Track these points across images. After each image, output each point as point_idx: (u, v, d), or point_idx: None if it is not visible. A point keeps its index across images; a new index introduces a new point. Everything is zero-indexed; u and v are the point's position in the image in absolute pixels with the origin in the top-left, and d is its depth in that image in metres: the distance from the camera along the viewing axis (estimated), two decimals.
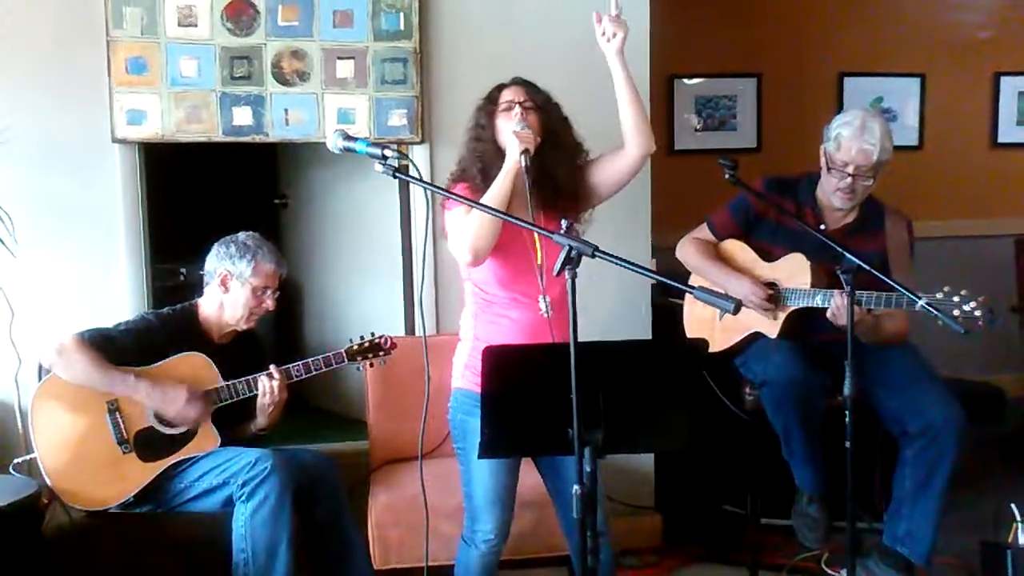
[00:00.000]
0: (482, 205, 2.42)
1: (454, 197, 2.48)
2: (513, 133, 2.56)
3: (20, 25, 3.38)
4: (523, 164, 2.51)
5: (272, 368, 2.99)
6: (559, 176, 2.65)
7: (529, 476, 2.71)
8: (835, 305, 2.99)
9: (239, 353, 3.10)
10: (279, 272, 3.08)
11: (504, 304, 2.61)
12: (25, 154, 3.34)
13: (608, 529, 2.66)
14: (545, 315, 2.54)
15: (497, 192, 2.52)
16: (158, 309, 3.12)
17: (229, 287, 3.03)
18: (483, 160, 2.64)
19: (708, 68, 5.29)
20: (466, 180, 2.68)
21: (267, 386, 2.96)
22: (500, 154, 2.61)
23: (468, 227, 2.51)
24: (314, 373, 3.04)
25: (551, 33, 3.70)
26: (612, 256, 2.04)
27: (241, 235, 3.09)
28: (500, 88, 2.72)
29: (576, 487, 2.02)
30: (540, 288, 2.55)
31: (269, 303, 3.06)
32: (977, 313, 2.77)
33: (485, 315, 2.65)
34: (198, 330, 3.06)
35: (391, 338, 3.13)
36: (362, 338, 3.11)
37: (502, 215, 2.38)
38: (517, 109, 2.61)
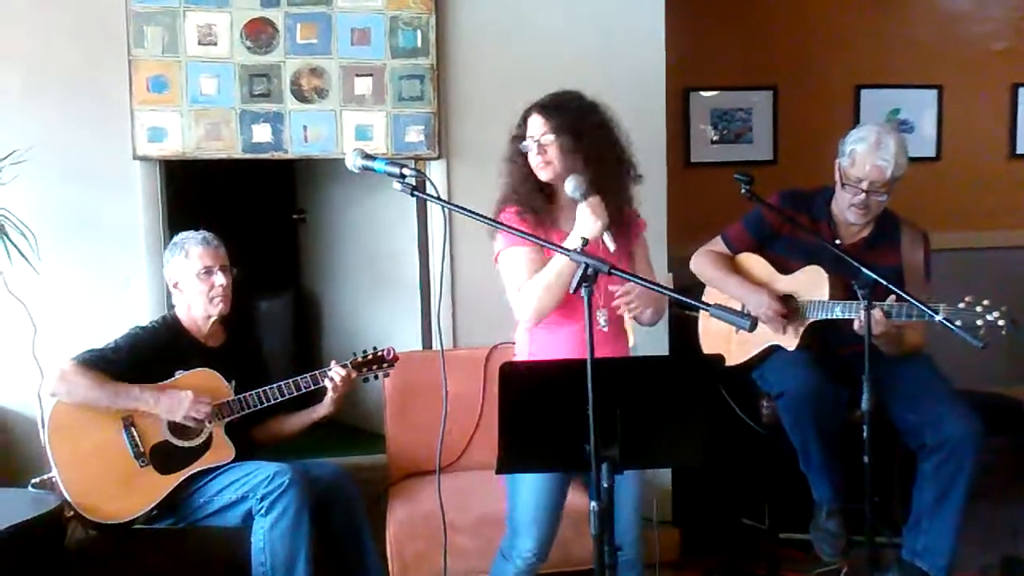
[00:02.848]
0: (512, 228, 2.37)
1: (468, 214, 2.46)
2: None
3: (43, 44, 3.43)
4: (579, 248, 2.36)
5: (334, 363, 3.06)
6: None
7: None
8: (863, 318, 2.95)
9: (236, 357, 3.14)
10: (209, 249, 3.10)
11: (557, 320, 2.54)
12: (48, 171, 3.38)
13: (640, 544, 2.67)
14: (604, 328, 2.52)
15: (548, 274, 2.44)
16: (144, 324, 3.16)
17: (182, 288, 3.09)
18: (519, 194, 2.59)
19: (724, 81, 5.29)
20: (511, 205, 2.62)
21: (339, 379, 3.03)
22: (536, 185, 2.57)
23: (534, 292, 2.46)
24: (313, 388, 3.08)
25: (566, 50, 3.73)
26: (627, 273, 2.06)
27: (174, 238, 3.16)
28: (525, 117, 2.61)
29: (593, 503, 2.03)
30: (597, 303, 2.51)
31: (219, 279, 3.07)
32: (1001, 323, 2.76)
33: (540, 330, 2.59)
34: (185, 336, 3.11)
35: (393, 350, 3.16)
36: (365, 351, 3.14)
37: (525, 235, 2.32)
38: (535, 155, 2.54)
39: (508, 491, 2.63)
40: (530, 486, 2.56)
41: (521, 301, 2.50)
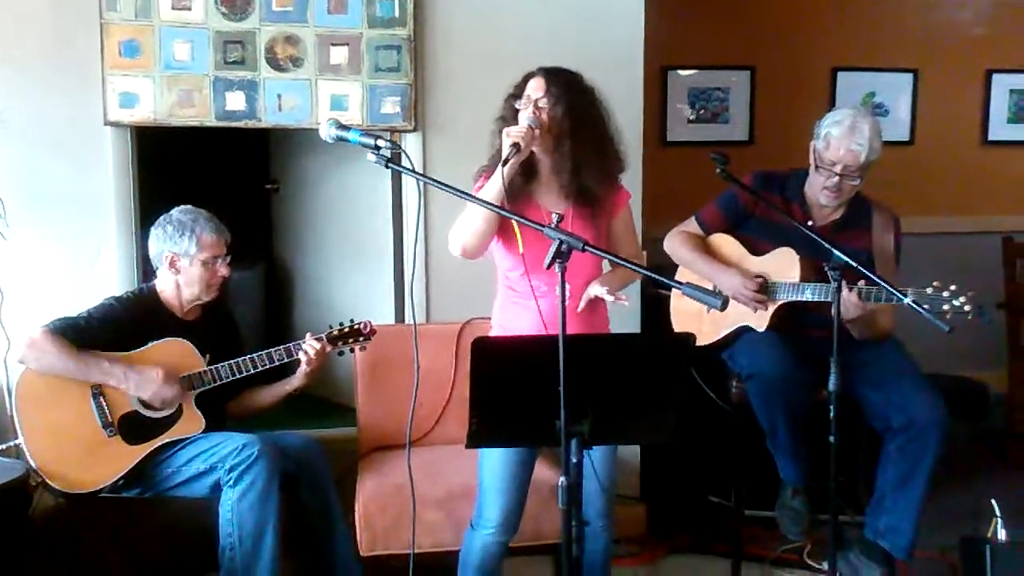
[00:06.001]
0: (473, 197, 2.39)
1: (443, 187, 2.46)
2: (504, 131, 2.50)
3: (14, 7, 3.36)
4: (509, 160, 2.43)
5: (309, 336, 3.04)
6: (582, 172, 2.58)
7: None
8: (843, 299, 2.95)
9: (212, 332, 3.11)
10: (223, 239, 3.07)
11: (526, 294, 2.57)
12: (17, 137, 3.33)
13: (611, 518, 2.71)
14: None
15: (490, 189, 2.49)
16: (119, 295, 3.12)
17: (179, 267, 3.03)
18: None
19: (702, 60, 5.30)
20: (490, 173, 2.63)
21: (313, 352, 3.01)
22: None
23: (462, 223, 2.52)
24: (286, 360, 3.06)
25: (544, 23, 3.71)
26: (601, 250, 2.06)
27: (175, 212, 3.08)
28: (527, 78, 2.62)
29: (562, 478, 2.05)
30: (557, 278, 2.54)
31: (222, 271, 3.05)
32: (967, 308, 2.78)
33: (508, 303, 2.66)
34: (162, 310, 3.06)
35: (371, 323, 3.15)
36: (341, 324, 3.12)
37: (493, 208, 2.36)
38: (531, 109, 2.53)
39: (479, 461, 2.65)
40: (494, 457, 2.58)
41: (455, 228, 2.57)
